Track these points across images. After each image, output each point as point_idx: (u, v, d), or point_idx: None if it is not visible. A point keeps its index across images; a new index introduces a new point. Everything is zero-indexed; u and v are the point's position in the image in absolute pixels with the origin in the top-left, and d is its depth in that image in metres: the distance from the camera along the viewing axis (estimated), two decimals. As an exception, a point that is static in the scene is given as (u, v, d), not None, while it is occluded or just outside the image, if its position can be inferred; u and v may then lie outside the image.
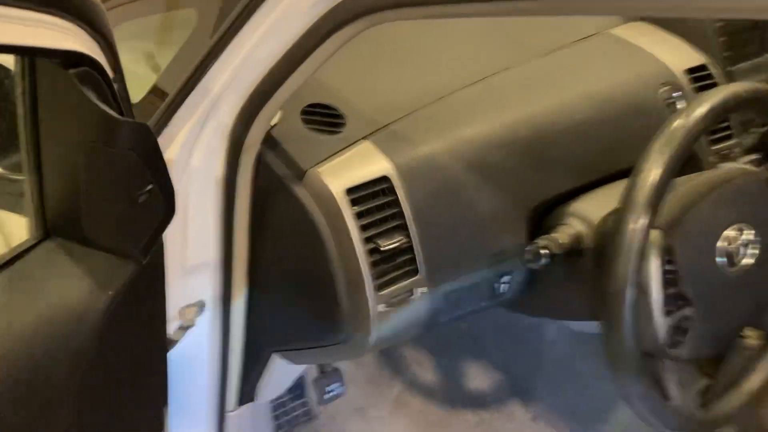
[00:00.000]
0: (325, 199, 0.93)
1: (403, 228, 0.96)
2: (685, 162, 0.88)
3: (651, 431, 1.00)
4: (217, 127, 0.87)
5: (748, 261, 0.95)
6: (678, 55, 1.21)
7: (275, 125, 0.96)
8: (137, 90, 0.95)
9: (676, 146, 0.86)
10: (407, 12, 0.75)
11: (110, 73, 0.64)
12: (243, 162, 0.91)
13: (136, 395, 0.88)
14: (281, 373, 1.19)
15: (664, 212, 0.89)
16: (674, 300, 0.90)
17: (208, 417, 1.11)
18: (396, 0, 0.75)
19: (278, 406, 1.57)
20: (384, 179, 0.96)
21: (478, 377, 1.79)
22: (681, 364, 0.94)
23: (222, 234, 0.94)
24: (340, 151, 0.98)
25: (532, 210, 1.05)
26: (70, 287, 0.69)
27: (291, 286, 1.02)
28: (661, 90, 1.16)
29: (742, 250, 0.94)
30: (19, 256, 0.71)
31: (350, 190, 0.94)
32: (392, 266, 0.96)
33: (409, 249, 0.96)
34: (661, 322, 0.88)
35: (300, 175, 0.96)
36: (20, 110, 0.64)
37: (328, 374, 1.35)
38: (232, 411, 1.15)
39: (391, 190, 0.96)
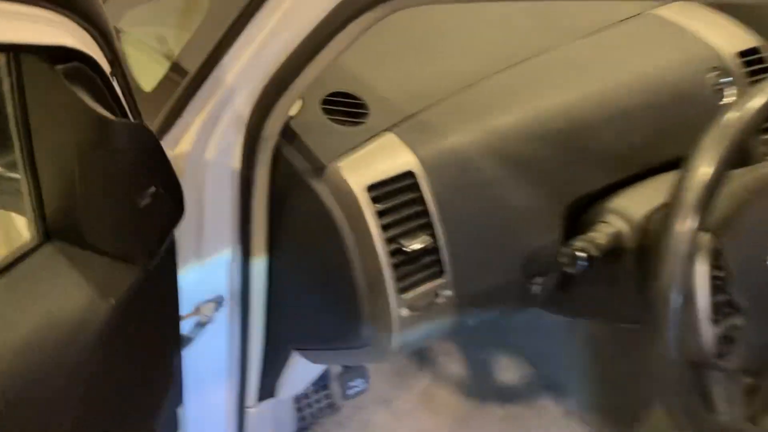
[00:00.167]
0: (345, 196, 0.90)
1: (427, 227, 0.92)
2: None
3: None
4: (233, 119, 0.84)
5: None
6: (728, 38, 1.15)
7: (294, 116, 0.94)
8: (150, 79, 0.93)
9: (729, 142, 0.81)
10: None
11: (107, 69, 0.59)
12: (260, 155, 0.88)
13: (145, 399, 0.86)
14: (303, 370, 1.18)
15: (713, 213, 0.84)
16: (723, 308, 0.86)
17: (228, 413, 1.11)
18: None
19: (301, 398, 1.56)
20: (408, 174, 0.92)
21: (508, 370, 1.76)
22: (728, 376, 0.90)
23: (239, 228, 0.92)
24: (362, 143, 0.94)
25: (568, 206, 1.01)
26: (69, 295, 0.66)
27: (310, 285, 0.99)
28: (709, 75, 1.10)
29: None
30: (17, 260, 0.67)
31: (371, 187, 0.90)
32: (416, 268, 0.92)
33: (434, 249, 0.93)
34: (708, 331, 0.84)
35: (320, 169, 0.92)
36: (9, 108, 0.60)
37: (351, 370, 1.34)
38: (252, 407, 1.14)
39: (416, 186, 0.92)
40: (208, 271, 0.92)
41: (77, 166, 0.60)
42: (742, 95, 0.86)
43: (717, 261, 0.85)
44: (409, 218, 0.92)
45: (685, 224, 0.80)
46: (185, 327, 0.93)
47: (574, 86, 1.05)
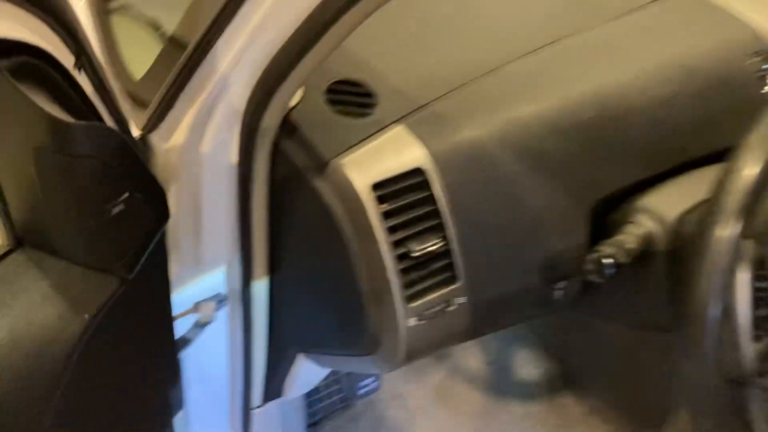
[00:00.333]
0: (348, 195, 0.84)
1: (438, 229, 0.86)
2: None
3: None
4: (228, 110, 0.79)
5: None
6: (771, 18, 1.09)
7: (294, 107, 0.89)
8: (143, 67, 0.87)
9: None
10: None
11: (68, 63, 0.52)
12: (258, 150, 0.83)
13: (137, 409, 0.83)
14: (310, 371, 1.14)
15: (757, 218, 0.79)
16: (765, 323, 0.80)
17: (233, 414, 1.09)
18: None
19: (312, 392, 1.52)
20: (417, 172, 0.86)
21: (528, 366, 1.73)
22: (768, 395, 0.87)
23: (239, 224, 0.87)
24: (369, 137, 0.88)
25: (595, 205, 0.95)
26: (38, 308, 0.61)
27: (313, 288, 0.95)
28: (750, 61, 1.04)
29: None
30: (-14, 268, 0.62)
31: (377, 186, 0.84)
32: (425, 274, 0.87)
33: (446, 253, 0.87)
34: (748, 348, 0.79)
35: (321, 166, 0.86)
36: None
37: (361, 369, 1.29)
38: (257, 407, 1.12)
39: (426, 184, 0.86)
40: (207, 268, 0.88)
41: (36, 173, 0.54)
42: None
43: (760, 271, 0.79)
44: (418, 219, 0.86)
45: (726, 230, 0.75)
46: (184, 327, 0.91)
47: (602, 73, 0.99)
